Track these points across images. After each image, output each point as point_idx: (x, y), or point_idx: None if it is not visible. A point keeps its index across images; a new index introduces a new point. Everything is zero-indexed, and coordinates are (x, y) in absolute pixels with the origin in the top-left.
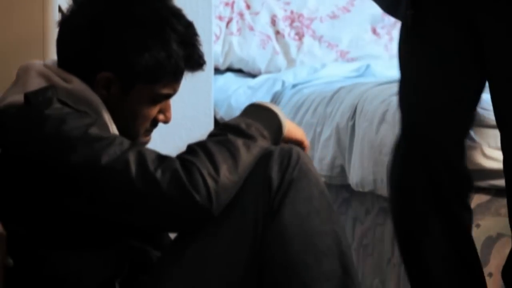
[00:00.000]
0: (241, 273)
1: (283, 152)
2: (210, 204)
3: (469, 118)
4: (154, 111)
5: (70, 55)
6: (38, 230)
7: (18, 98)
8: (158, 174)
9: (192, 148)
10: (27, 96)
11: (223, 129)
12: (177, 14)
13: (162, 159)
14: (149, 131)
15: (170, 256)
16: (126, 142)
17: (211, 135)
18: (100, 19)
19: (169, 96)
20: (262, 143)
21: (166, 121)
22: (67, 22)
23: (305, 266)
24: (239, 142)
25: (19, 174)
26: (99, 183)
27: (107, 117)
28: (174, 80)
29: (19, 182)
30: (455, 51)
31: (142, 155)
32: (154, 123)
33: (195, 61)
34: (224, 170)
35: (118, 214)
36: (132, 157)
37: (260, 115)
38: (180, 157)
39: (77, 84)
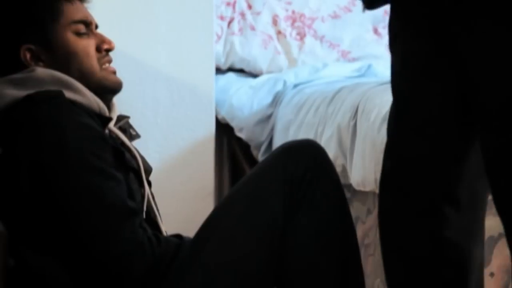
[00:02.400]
0: (258, 266)
1: (303, 147)
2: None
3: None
4: (88, 43)
5: None
6: (40, 232)
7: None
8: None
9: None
10: (33, 97)
11: None
12: None
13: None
14: (105, 61)
15: (189, 249)
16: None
17: None
18: None
19: (85, 22)
20: None
21: (110, 46)
22: None
23: (322, 261)
24: None
25: (19, 177)
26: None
27: (78, 84)
28: (73, 3)
29: (20, 185)
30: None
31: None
32: (103, 52)
33: None
34: None
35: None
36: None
37: None
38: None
39: (40, 70)
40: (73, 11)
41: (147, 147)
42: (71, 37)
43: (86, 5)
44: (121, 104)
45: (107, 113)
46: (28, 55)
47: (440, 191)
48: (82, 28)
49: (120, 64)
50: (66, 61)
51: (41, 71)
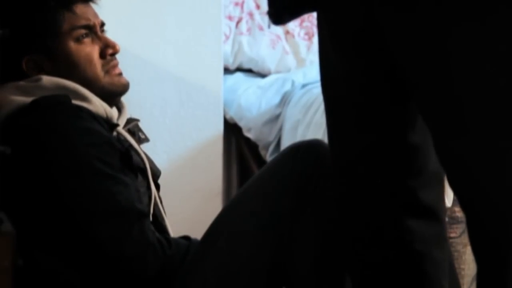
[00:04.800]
0: (267, 266)
1: (311, 147)
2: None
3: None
4: (91, 49)
5: None
6: (49, 233)
7: (22, 100)
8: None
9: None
10: (39, 103)
11: None
12: None
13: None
14: (110, 66)
15: (199, 249)
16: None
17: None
18: None
19: (88, 27)
20: None
21: (114, 50)
22: None
23: (329, 261)
24: None
25: (28, 180)
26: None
27: (84, 91)
28: (73, 9)
29: (28, 188)
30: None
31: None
32: (107, 57)
33: None
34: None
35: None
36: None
37: None
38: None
39: (46, 79)
40: (74, 19)
41: (155, 147)
42: (72, 45)
43: (93, 5)
44: (129, 104)
45: (114, 119)
46: (30, 66)
47: (400, 208)
48: (84, 34)
49: (128, 64)
50: (69, 70)
51: (47, 80)
